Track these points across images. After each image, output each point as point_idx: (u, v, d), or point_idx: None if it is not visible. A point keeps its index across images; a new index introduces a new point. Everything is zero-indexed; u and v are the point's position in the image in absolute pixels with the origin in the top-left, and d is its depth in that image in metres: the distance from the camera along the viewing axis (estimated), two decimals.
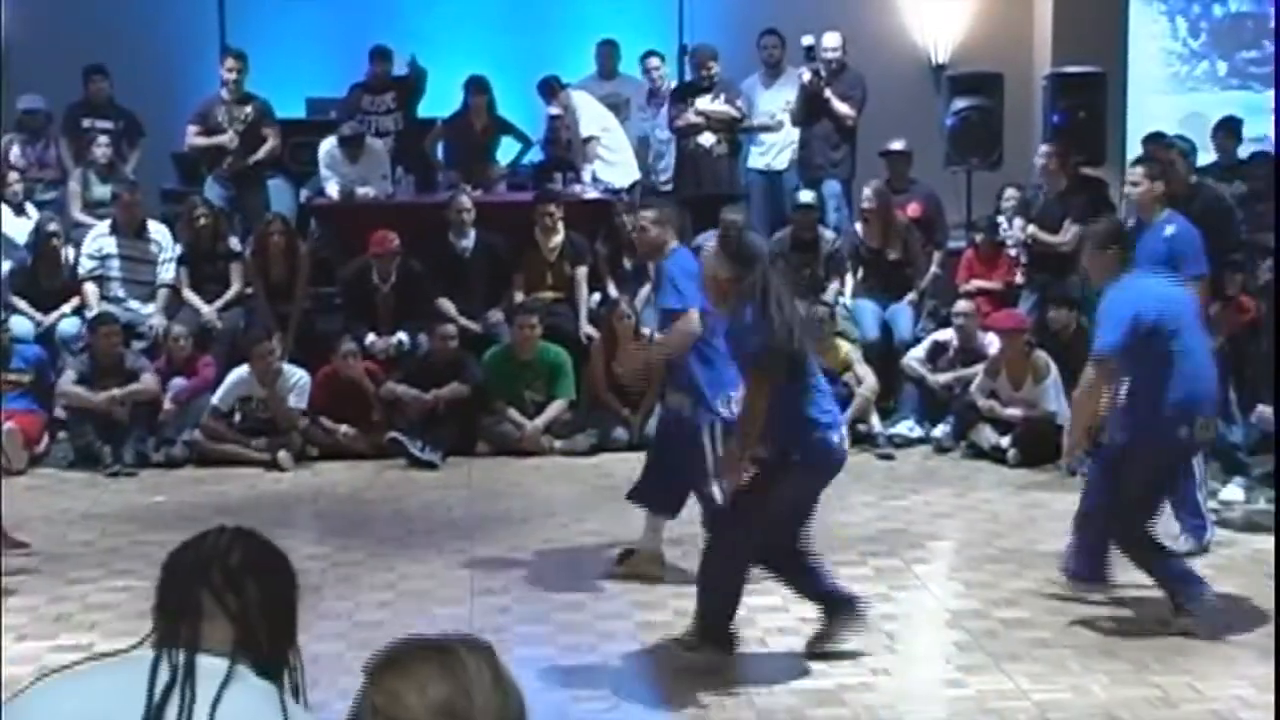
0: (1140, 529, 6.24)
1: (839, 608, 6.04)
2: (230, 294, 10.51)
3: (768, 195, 11.70)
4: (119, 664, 2.36)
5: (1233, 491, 8.11)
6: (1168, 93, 13.17)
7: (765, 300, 5.61)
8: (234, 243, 10.71)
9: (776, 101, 11.67)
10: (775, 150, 11.72)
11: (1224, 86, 13.16)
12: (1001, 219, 10.83)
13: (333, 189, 11.06)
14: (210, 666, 2.32)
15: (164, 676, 2.31)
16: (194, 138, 11.31)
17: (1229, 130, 10.94)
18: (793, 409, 5.67)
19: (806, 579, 6.07)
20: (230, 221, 11.03)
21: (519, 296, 10.35)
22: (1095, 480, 6.47)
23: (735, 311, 5.77)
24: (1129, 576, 6.89)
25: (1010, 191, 10.97)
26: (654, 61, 11.98)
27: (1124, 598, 6.64)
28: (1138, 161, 7.84)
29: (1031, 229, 10.19)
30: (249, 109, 11.27)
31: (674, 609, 6.34)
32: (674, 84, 12.03)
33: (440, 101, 11.76)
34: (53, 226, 10.48)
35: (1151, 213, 7.39)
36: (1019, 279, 10.53)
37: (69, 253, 10.57)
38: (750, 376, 5.78)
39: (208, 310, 10.40)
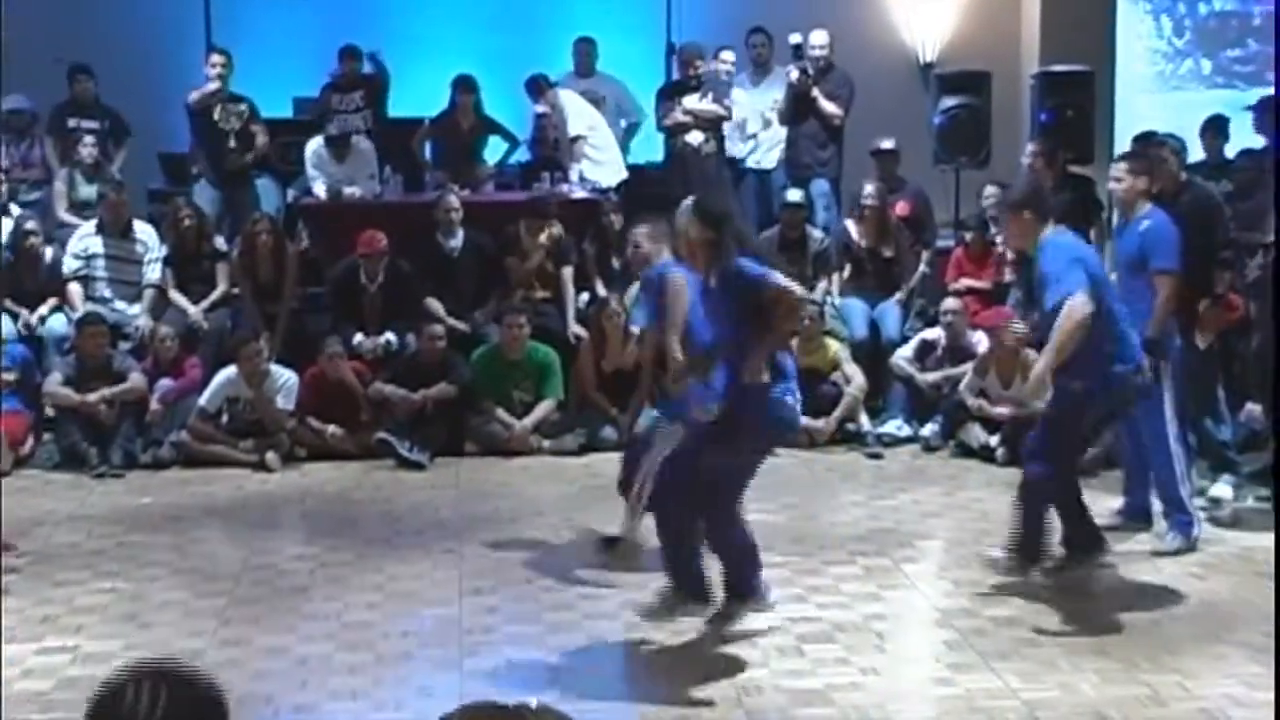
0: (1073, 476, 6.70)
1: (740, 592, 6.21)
2: (216, 294, 10.48)
3: (756, 194, 11.70)
4: None
5: (1221, 489, 8.11)
6: (1154, 91, 13.18)
7: (746, 251, 5.86)
8: (220, 243, 10.67)
9: (764, 100, 11.66)
10: (763, 149, 11.71)
11: (1209, 85, 13.17)
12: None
13: (320, 189, 11.03)
14: None
15: None
16: (194, 94, 11.26)
17: (1216, 129, 10.93)
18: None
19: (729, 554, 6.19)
20: (219, 222, 11.01)
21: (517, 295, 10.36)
22: (1039, 443, 6.67)
23: (716, 271, 5.87)
24: (1126, 572, 6.91)
25: (990, 189, 10.92)
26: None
27: (1114, 595, 6.66)
28: (1122, 158, 7.84)
29: None
30: (243, 106, 11.26)
31: None
32: (731, 75, 11.84)
33: (427, 101, 11.73)
34: (30, 225, 10.43)
35: (1134, 209, 7.42)
36: (1008, 277, 10.52)
37: (50, 252, 10.52)
38: (781, 303, 5.78)
39: (194, 311, 10.37)
